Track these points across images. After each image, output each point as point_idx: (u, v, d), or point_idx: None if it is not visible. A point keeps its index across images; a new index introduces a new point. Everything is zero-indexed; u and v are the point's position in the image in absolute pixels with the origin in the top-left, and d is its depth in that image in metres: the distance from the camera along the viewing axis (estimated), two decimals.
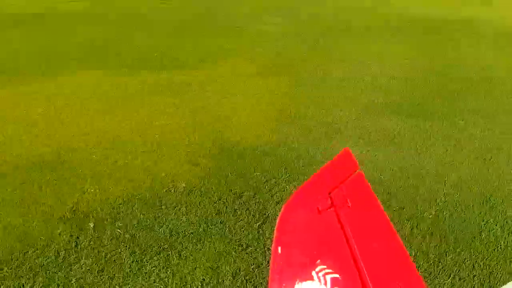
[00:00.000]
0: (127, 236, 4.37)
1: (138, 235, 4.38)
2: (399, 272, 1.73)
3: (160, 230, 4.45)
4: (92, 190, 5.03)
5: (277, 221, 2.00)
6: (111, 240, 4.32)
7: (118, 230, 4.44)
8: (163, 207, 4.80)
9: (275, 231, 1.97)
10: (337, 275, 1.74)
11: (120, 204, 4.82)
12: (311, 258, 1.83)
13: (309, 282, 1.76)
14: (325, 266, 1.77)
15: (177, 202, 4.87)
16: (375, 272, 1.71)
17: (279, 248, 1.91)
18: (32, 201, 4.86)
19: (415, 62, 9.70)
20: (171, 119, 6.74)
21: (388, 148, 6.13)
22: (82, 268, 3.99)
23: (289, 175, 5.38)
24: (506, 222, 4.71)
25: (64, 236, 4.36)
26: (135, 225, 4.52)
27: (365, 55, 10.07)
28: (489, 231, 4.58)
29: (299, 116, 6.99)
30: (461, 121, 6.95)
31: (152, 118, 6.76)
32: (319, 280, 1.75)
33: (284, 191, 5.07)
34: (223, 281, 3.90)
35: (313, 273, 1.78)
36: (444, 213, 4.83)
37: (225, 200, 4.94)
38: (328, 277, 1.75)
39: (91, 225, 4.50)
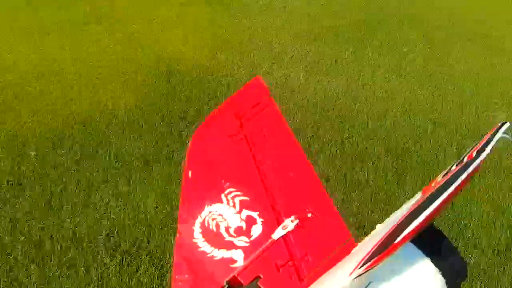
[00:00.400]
0: (70, 163, 4.28)
1: (82, 162, 4.30)
2: (308, 197, 1.76)
3: (105, 156, 4.39)
4: (30, 124, 4.84)
5: (189, 145, 1.99)
6: (54, 169, 4.22)
7: (60, 157, 4.33)
8: (106, 133, 4.70)
9: (186, 155, 1.97)
10: (246, 198, 1.77)
11: (60, 133, 4.68)
12: (220, 181, 1.85)
13: (218, 204, 1.79)
14: (234, 189, 1.80)
15: (119, 127, 4.79)
16: (284, 197, 1.74)
17: (190, 172, 1.91)
18: None
19: None
20: (104, 47, 6.49)
21: (328, 74, 6.23)
22: (27, 200, 3.88)
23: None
24: None
25: (5, 163, 4.23)
26: (78, 152, 4.42)
27: None
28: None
29: (236, 44, 6.87)
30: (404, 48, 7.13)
31: (85, 46, 6.49)
32: (228, 202, 1.78)
33: None
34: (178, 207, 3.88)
35: (222, 195, 1.81)
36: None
37: (169, 122, 4.90)
38: (237, 199, 1.78)
39: (32, 153, 4.37)
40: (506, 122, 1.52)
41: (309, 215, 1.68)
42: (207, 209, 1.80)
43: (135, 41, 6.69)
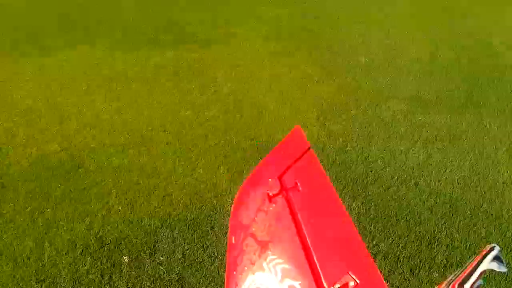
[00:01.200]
0: (173, 276, 3.44)
1: (186, 274, 3.46)
2: (351, 260, 1.63)
3: (213, 267, 3.53)
4: (119, 208, 4.07)
5: (231, 209, 1.97)
6: (153, 281, 3.40)
7: (160, 267, 3.51)
8: (212, 230, 3.87)
9: (229, 220, 1.95)
10: (287, 266, 1.70)
11: (157, 228, 3.88)
12: (262, 248, 1.80)
13: (260, 273, 1.74)
14: (275, 257, 1.75)
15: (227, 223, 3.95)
16: (326, 261, 1.65)
17: (233, 238, 1.90)
18: (44, 223, 3.90)
19: None
20: (197, 110, 5.72)
21: None
22: None
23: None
24: None
25: (92, 276, 3.43)
26: (180, 260, 3.59)
27: None
28: None
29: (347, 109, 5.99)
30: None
31: (176, 107, 5.74)
32: (270, 271, 1.73)
33: None
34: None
35: (264, 264, 1.76)
36: None
37: None
38: (279, 267, 1.72)
39: (125, 259, 3.57)
40: (495, 246, 1.41)
41: (352, 283, 1.53)
42: (250, 277, 1.76)
43: (231, 103, 5.91)
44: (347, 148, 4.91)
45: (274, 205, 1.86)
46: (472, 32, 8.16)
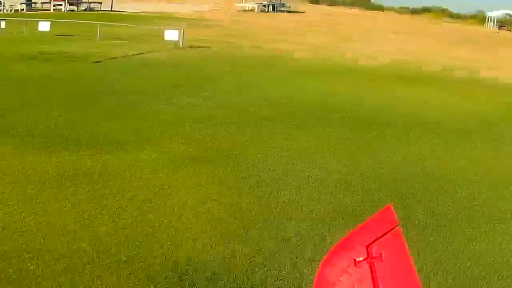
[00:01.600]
0: None
1: None
2: None
3: None
4: None
5: (317, 272, 2.13)
6: None
7: None
8: None
9: (315, 277, 2.11)
10: None
11: None
12: None
13: None
14: None
15: None
16: None
17: None
18: None
19: None
20: (89, 224, 4.76)
21: None
22: None
23: None
24: None
25: None
26: None
27: None
28: None
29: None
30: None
31: (71, 221, 4.85)
32: None
33: None
34: None
35: None
36: None
37: None
38: None
39: None
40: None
41: None
42: None
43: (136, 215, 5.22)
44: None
45: (359, 269, 2.05)
46: None
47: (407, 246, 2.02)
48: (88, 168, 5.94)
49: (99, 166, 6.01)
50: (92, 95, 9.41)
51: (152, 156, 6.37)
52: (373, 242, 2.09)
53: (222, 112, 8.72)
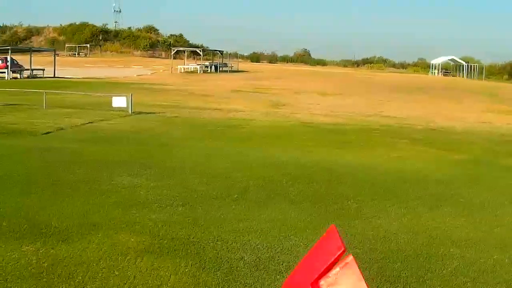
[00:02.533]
0: None
1: None
2: None
3: None
4: None
5: None
6: None
7: None
8: None
9: None
10: None
11: None
12: None
13: None
14: None
15: None
16: None
17: None
18: None
19: None
20: None
21: None
22: None
23: None
24: None
25: None
26: None
27: None
28: None
29: None
30: None
31: None
32: None
33: None
34: None
35: None
36: None
37: None
38: None
39: None
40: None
41: None
42: None
43: None
44: None
45: None
46: None
47: (361, 273, 1.85)
48: (33, 268, 5.24)
49: (46, 264, 5.34)
50: (33, 175, 8.72)
51: (102, 250, 5.72)
52: (319, 277, 1.94)
53: (170, 193, 8.10)
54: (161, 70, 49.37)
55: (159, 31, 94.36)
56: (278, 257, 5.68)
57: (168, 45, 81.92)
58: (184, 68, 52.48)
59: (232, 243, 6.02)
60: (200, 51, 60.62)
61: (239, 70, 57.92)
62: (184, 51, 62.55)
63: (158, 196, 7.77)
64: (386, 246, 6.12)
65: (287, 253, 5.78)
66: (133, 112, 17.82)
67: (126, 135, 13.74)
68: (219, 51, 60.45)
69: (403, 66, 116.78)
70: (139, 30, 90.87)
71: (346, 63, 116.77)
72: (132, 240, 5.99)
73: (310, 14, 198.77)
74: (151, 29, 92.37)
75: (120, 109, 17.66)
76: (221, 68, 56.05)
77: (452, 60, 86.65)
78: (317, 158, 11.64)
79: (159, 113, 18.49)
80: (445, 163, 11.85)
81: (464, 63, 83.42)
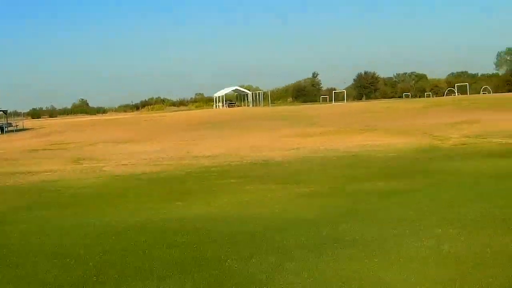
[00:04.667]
0: None
1: None
2: None
3: None
4: None
5: None
6: None
7: None
8: None
9: None
10: None
11: None
12: None
13: None
14: None
15: None
16: None
17: None
18: None
19: None
20: None
21: None
22: None
23: None
24: None
25: None
26: None
27: None
28: None
29: None
30: None
31: None
32: None
33: None
34: None
35: None
36: None
37: None
38: None
39: None
40: None
41: None
42: None
43: None
44: None
45: None
46: None
47: None
48: None
49: None
50: None
51: None
52: None
53: None
54: None
55: None
56: None
57: None
58: None
59: None
60: None
61: (24, 128, 53.02)
62: None
63: None
64: None
65: None
66: None
67: None
68: (3, 110, 54.98)
69: (182, 103, 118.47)
70: None
71: (125, 108, 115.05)
72: None
73: (84, 59, 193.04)
74: None
75: None
76: (6, 128, 50.68)
77: (235, 90, 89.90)
78: (181, 215, 10.02)
79: None
80: (303, 199, 11.09)
81: (248, 92, 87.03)
